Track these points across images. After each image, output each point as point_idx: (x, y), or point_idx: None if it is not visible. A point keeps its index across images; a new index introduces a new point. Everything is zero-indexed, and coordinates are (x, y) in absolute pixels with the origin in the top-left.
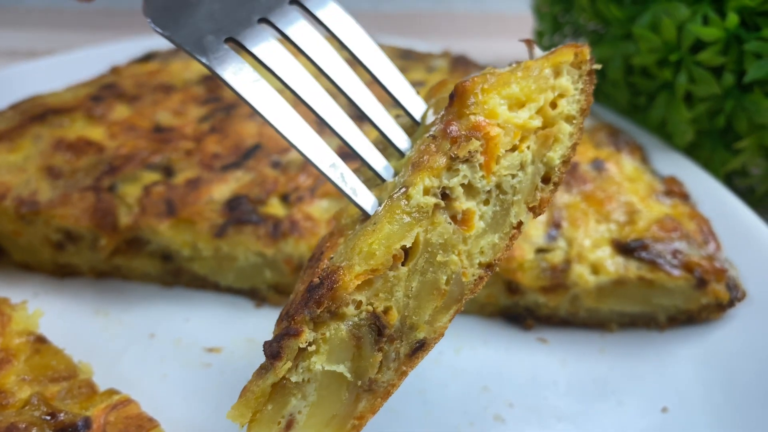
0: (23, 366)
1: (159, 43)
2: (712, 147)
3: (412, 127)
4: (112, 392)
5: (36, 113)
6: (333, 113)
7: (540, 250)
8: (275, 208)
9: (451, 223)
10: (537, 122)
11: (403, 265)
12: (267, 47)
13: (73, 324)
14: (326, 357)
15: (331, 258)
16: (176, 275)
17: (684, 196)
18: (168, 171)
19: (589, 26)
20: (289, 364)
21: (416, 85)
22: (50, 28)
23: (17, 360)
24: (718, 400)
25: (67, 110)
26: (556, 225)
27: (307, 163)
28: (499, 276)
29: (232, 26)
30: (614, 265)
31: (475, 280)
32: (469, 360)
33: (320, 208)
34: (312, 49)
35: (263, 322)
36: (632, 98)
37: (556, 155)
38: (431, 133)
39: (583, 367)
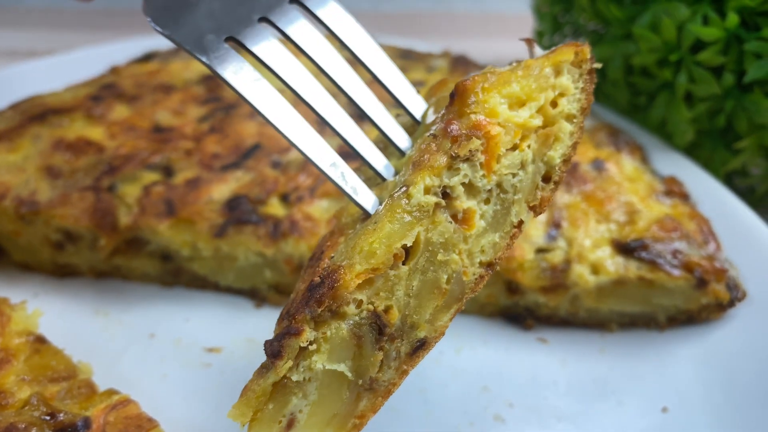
0: (23, 366)
1: (159, 43)
2: (712, 147)
3: (413, 126)
4: (111, 392)
5: (35, 113)
6: (333, 112)
7: (540, 250)
8: (275, 208)
9: (451, 222)
10: (537, 121)
11: (403, 264)
12: (267, 46)
13: (73, 324)
14: (327, 356)
15: (332, 257)
16: (176, 275)
17: (684, 196)
18: (168, 171)
19: (589, 26)
20: (290, 363)
21: (416, 84)
22: (50, 28)
23: (17, 360)
24: (718, 400)
25: (66, 110)
26: (556, 225)
27: (307, 163)
28: (499, 276)
29: (232, 25)
30: (614, 265)
31: (476, 279)
32: (469, 360)
33: (320, 208)
34: (312, 48)
35: (263, 322)
36: (632, 98)
37: (556, 154)
38: (432, 132)
39: (583, 367)
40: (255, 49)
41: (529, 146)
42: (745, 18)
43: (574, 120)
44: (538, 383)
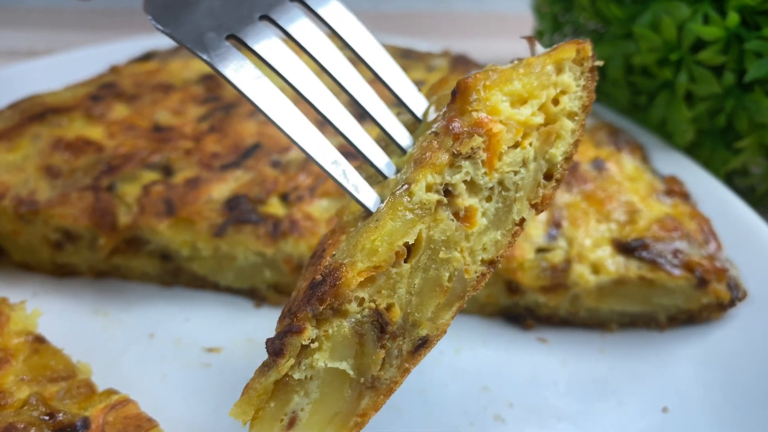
0: (22, 366)
1: (158, 42)
2: (712, 146)
3: (414, 124)
4: (111, 392)
5: (35, 112)
6: (335, 110)
7: (540, 250)
8: (275, 207)
9: (453, 220)
10: (539, 119)
11: (405, 261)
12: (268, 44)
13: (72, 324)
14: (329, 354)
15: (334, 255)
16: (175, 275)
17: (684, 196)
18: (167, 170)
19: (589, 25)
20: (292, 361)
21: (416, 84)
22: (49, 27)
23: (16, 360)
24: (718, 400)
25: (66, 109)
26: (556, 224)
27: (307, 163)
28: (500, 276)
29: (233, 23)
30: (615, 264)
31: (478, 276)
32: (469, 360)
33: (320, 208)
34: (313, 46)
35: (263, 322)
36: (633, 97)
37: (558, 152)
38: (433, 129)
39: (583, 367)
40: (256, 47)
41: (530, 144)
42: (746, 17)
43: (576, 118)
44: (538, 383)
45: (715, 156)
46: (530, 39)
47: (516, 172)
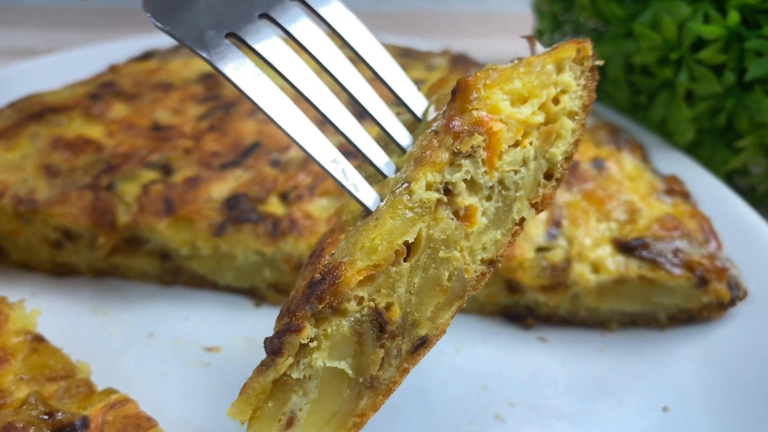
0: (21, 365)
1: (158, 41)
2: (712, 146)
3: (413, 124)
4: (110, 391)
5: (34, 111)
6: (334, 109)
7: (540, 249)
8: (274, 206)
9: (453, 219)
10: (539, 118)
11: (405, 260)
12: (268, 43)
13: (72, 323)
14: (328, 353)
15: (333, 254)
16: (175, 274)
17: (685, 195)
18: (166, 169)
19: (589, 25)
20: (291, 360)
21: (416, 83)
22: (49, 27)
23: (15, 359)
24: (718, 400)
25: (65, 109)
26: (556, 224)
27: (306, 162)
28: (499, 275)
29: (232, 21)
30: (615, 263)
31: (477, 276)
32: (469, 359)
33: (320, 207)
34: (313, 44)
35: (262, 321)
36: (633, 97)
37: (558, 151)
38: (433, 128)
39: (584, 367)
40: (256, 46)
41: (530, 143)
42: (746, 16)
43: (576, 117)
44: (538, 382)
45: (716, 155)
46: (530, 38)
47: (516, 171)
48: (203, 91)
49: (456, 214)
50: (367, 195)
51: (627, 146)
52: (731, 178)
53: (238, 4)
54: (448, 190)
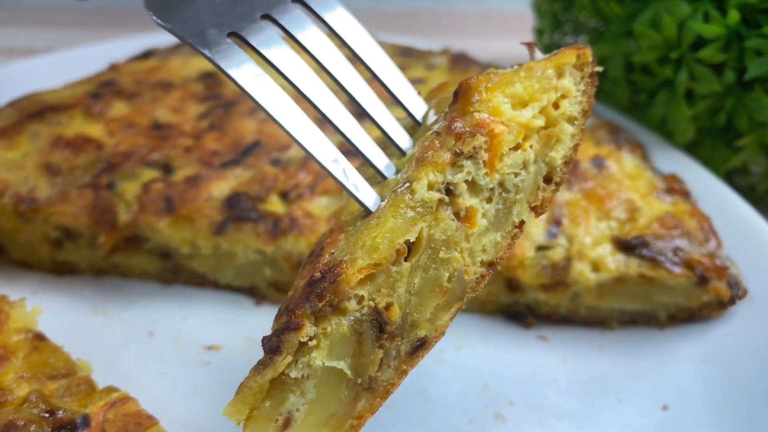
0: (22, 363)
1: (158, 40)
2: (712, 145)
3: (413, 128)
4: (110, 389)
5: (34, 110)
6: (335, 110)
7: (540, 248)
8: (275, 205)
9: (454, 220)
10: (540, 122)
11: (405, 260)
12: (270, 43)
13: (72, 322)
14: (327, 352)
15: (332, 253)
16: (175, 273)
17: (685, 194)
18: (167, 168)
19: (589, 24)
20: (290, 358)
21: (416, 82)
22: (49, 25)
23: (16, 357)
24: (718, 398)
25: (65, 107)
26: (556, 222)
27: (307, 161)
28: (500, 273)
29: (234, 21)
30: (615, 262)
31: (477, 278)
32: (470, 358)
33: (320, 206)
34: (314, 46)
35: (262, 320)
36: (633, 96)
37: (558, 155)
38: (435, 129)
39: (584, 365)
40: (258, 45)
41: (531, 146)
42: (746, 15)
43: (576, 122)
44: (539, 381)
45: (716, 154)
46: (530, 45)
47: (516, 174)
48: (203, 89)
49: (457, 215)
50: (368, 195)
51: (627, 145)
52: (731, 177)
53: (240, 4)
54: (449, 191)
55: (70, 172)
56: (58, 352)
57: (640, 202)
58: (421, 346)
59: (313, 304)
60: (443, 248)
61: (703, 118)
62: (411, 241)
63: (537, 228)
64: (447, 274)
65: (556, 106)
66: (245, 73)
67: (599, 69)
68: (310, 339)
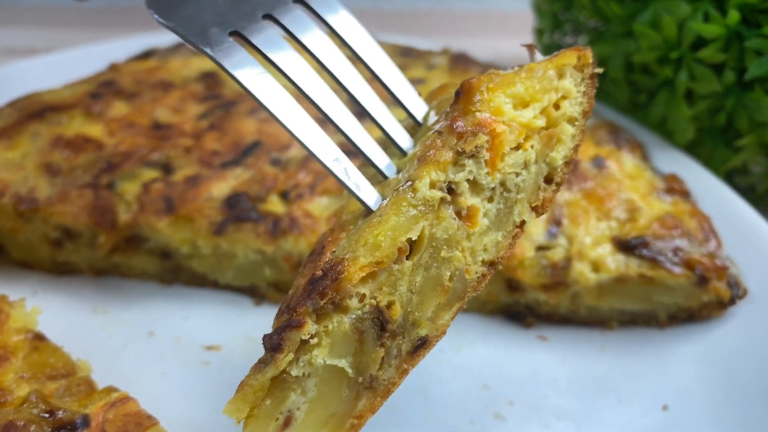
0: (21, 363)
1: (158, 40)
2: (712, 145)
3: (414, 128)
4: (110, 390)
5: (34, 110)
6: (337, 110)
7: (540, 248)
8: (275, 205)
9: (455, 219)
10: (541, 122)
11: (407, 259)
12: (272, 42)
13: (72, 322)
14: (328, 350)
15: (334, 252)
16: (175, 273)
17: (685, 194)
18: (167, 168)
19: (589, 24)
20: (291, 356)
21: (416, 82)
22: (49, 25)
23: (15, 357)
24: (718, 398)
25: (65, 107)
26: (556, 222)
27: (307, 160)
28: (500, 273)
29: (236, 20)
30: (615, 262)
31: (478, 277)
32: (470, 358)
33: (320, 206)
34: (316, 46)
35: (262, 320)
36: (633, 96)
37: (558, 156)
38: (436, 129)
39: (584, 365)
40: (259, 45)
41: (532, 146)
42: (746, 15)
43: (576, 123)
44: (539, 381)
45: (716, 154)
46: (530, 47)
47: (518, 174)
48: (203, 89)
49: (458, 214)
50: (369, 194)
51: (627, 145)
52: (731, 177)
53: (241, 3)
54: (451, 190)
55: (70, 172)
56: (58, 352)
57: (640, 202)
58: (422, 345)
59: (315, 302)
60: (445, 247)
61: (703, 118)
62: (413, 239)
63: (537, 228)
64: (448, 273)
65: (556, 106)
66: (247, 71)
67: (599, 70)
68: (312, 337)
